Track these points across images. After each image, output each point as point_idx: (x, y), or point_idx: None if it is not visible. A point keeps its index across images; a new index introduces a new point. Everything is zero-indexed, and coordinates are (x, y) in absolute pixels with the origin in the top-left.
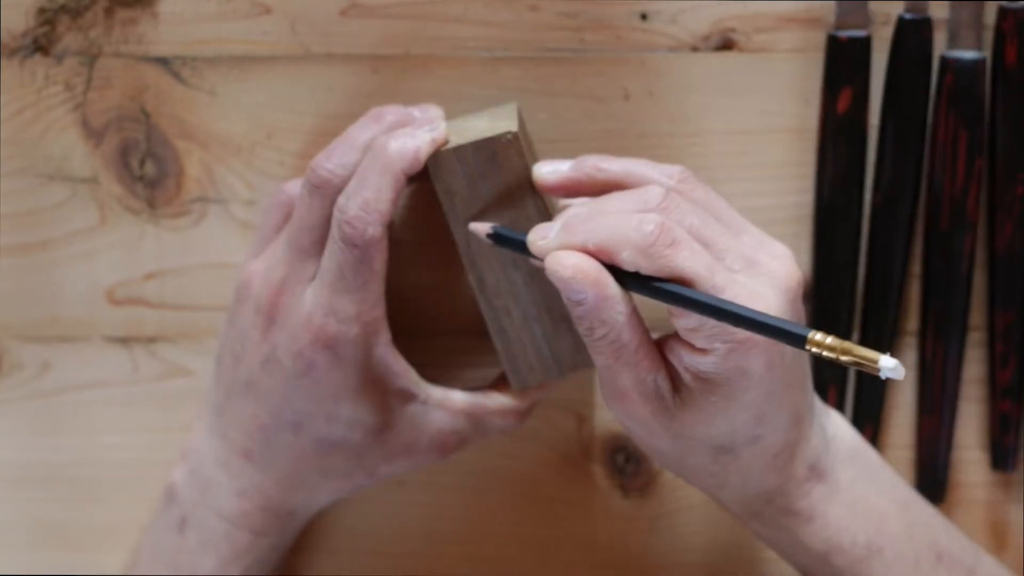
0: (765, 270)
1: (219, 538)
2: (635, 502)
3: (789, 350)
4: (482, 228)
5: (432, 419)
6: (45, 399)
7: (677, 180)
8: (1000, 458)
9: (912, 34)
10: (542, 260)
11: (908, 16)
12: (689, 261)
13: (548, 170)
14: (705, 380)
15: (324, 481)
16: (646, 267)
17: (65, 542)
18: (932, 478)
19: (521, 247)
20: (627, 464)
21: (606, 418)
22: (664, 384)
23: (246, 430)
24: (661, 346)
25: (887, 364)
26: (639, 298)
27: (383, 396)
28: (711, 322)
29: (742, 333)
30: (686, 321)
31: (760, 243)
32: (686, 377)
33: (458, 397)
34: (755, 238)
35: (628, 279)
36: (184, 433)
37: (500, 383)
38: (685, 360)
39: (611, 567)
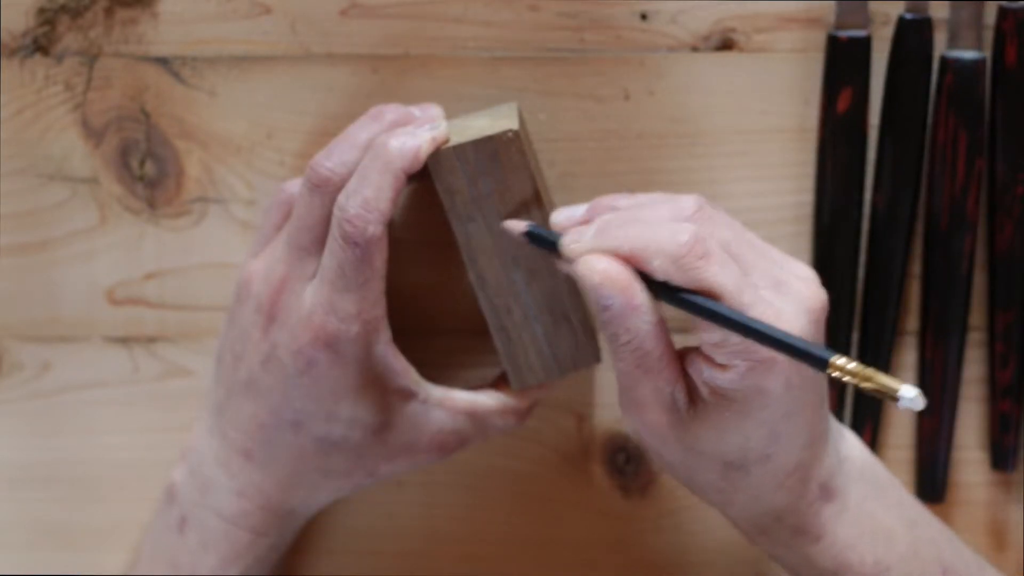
0: (791, 290)
1: (219, 538)
2: (635, 502)
3: (808, 371)
4: (517, 227)
5: (432, 418)
6: (45, 399)
7: (694, 206)
8: (1000, 458)
9: (912, 34)
10: (572, 263)
11: (908, 16)
12: (719, 275)
13: (564, 217)
14: (722, 396)
15: (324, 481)
16: (677, 277)
17: (65, 542)
18: (932, 478)
19: (554, 248)
20: (627, 464)
21: (606, 418)
22: (681, 396)
23: (246, 429)
24: (681, 358)
25: (907, 394)
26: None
27: (383, 395)
28: (734, 338)
29: (763, 352)
30: (710, 335)
31: (785, 264)
32: (703, 391)
33: (458, 396)
34: (779, 258)
35: (657, 288)
36: (184, 433)
37: (500, 383)
38: (704, 374)
39: (611, 567)
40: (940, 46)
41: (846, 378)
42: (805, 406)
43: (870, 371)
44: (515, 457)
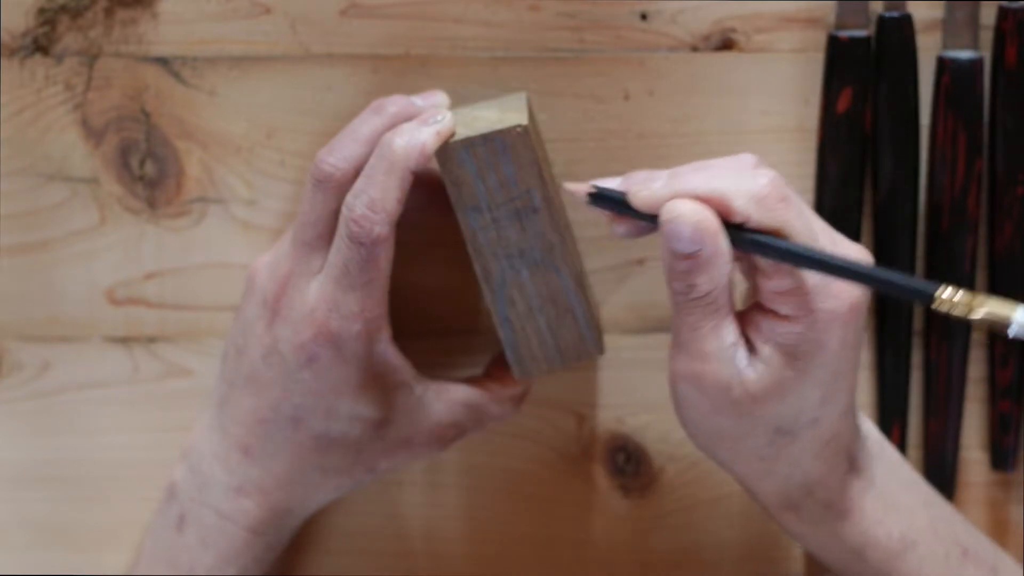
0: (850, 249)
1: (216, 535)
2: (635, 502)
3: (860, 329)
4: (581, 188)
5: (430, 412)
6: (45, 399)
7: (757, 162)
8: (1000, 458)
9: (893, 32)
10: (644, 217)
11: (887, 15)
12: (797, 220)
13: (573, 187)
14: (783, 353)
15: (323, 479)
16: (758, 218)
17: (65, 542)
18: (940, 478)
19: (622, 205)
20: (627, 464)
21: (606, 418)
22: (743, 357)
23: (246, 424)
24: (739, 319)
25: (1022, 319)
26: None
27: (382, 391)
28: (807, 286)
29: (829, 303)
30: (778, 283)
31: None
32: (763, 351)
33: (454, 388)
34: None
35: (734, 237)
36: (184, 433)
37: (494, 370)
38: (765, 330)
39: (611, 567)
40: (934, 45)
41: (955, 311)
42: (851, 369)
43: (980, 298)
44: (515, 457)
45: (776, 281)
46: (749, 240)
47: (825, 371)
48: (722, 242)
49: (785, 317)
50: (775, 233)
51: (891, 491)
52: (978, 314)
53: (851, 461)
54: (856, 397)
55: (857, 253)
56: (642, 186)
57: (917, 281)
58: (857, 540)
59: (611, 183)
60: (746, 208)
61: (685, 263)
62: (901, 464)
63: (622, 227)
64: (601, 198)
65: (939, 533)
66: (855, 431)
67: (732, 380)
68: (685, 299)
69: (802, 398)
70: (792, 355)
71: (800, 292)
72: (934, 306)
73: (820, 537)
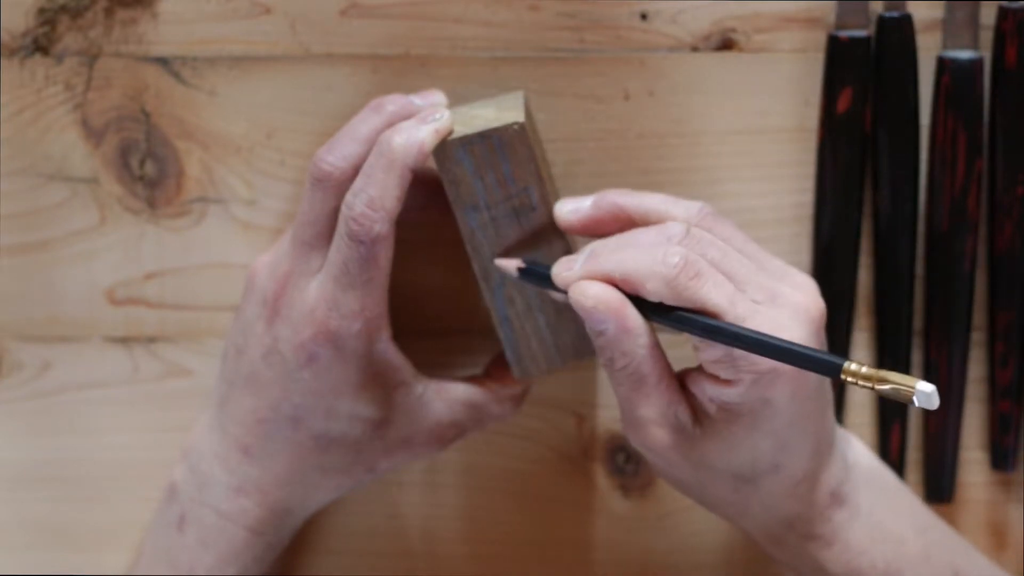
0: (788, 301)
1: (216, 535)
2: (635, 502)
3: (813, 380)
4: (511, 264)
5: (430, 411)
6: (45, 399)
7: (697, 216)
8: (1000, 458)
9: (893, 32)
10: (566, 293)
11: (887, 15)
12: (712, 293)
13: (569, 209)
14: (728, 411)
15: (322, 478)
16: (670, 298)
17: (65, 542)
18: (939, 478)
19: (548, 281)
20: (627, 464)
21: (606, 418)
22: (684, 416)
23: (246, 424)
24: (683, 378)
25: (924, 389)
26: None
27: (382, 391)
28: (737, 353)
29: (766, 363)
30: (711, 353)
31: (783, 274)
32: (709, 408)
33: (454, 388)
34: (777, 269)
35: (653, 311)
36: (184, 433)
37: (494, 370)
38: (708, 391)
39: (611, 567)
40: (934, 45)
41: (860, 382)
42: (810, 415)
43: (883, 372)
44: (515, 457)
45: (708, 352)
46: (666, 318)
47: (776, 423)
48: (629, 320)
49: (725, 381)
50: (693, 311)
51: (879, 520)
52: (883, 387)
53: (832, 494)
54: (833, 432)
55: (804, 291)
56: (564, 266)
57: (825, 355)
58: (841, 570)
59: (584, 203)
60: (658, 290)
61: (599, 339)
62: (897, 491)
63: (560, 296)
64: (529, 274)
65: (931, 559)
66: (836, 465)
67: (675, 441)
68: (611, 370)
69: (753, 449)
70: (737, 412)
71: (731, 359)
72: (841, 377)
73: (806, 568)
